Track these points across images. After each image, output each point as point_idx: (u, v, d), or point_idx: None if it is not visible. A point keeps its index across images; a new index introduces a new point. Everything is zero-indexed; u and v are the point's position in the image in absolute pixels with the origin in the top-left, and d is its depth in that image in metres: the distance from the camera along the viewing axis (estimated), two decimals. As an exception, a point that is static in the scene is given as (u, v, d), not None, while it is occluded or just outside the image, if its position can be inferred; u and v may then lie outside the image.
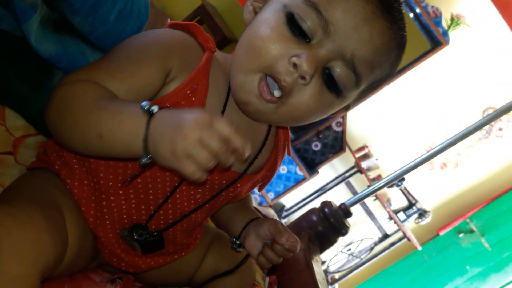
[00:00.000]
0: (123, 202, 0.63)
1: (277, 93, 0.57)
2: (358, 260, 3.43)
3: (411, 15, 3.27)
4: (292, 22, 0.55)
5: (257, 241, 0.74)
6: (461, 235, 3.87)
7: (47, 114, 0.55)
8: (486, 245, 3.80)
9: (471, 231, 3.85)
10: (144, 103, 0.49)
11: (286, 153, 0.78)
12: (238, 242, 0.77)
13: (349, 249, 3.55)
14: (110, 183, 0.62)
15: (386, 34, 0.57)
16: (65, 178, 0.63)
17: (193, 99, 0.60)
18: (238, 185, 0.70)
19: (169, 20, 0.93)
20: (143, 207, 0.64)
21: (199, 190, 0.66)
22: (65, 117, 0.53)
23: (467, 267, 3.82)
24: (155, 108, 0.48)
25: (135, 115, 0.49)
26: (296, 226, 1.29)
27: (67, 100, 0.53)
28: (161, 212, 0.65)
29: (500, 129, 3.87)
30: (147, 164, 0.48)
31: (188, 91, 0.59)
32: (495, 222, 3.81)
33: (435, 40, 3.20)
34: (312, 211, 1.37)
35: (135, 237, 0.64)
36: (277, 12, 0.57)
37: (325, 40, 0.55)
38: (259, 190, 0.82)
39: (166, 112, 0.49)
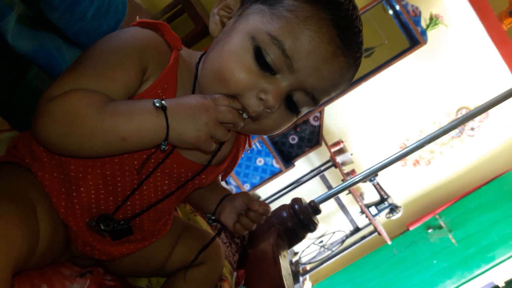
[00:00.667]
0: (92, 192, 0.65)
1: (245, 115, 0.64)
2: (329, 252, 3.50)
3: (391, 12, 3.32)
4: (259, 56, 0.59)
5: (232, 213, 0.80)
6: (429, 230, 3.97)
7: (46, 130, 0.55)
8: (453, 241, 3.92)
9: (440, 227, 3.96)
10: (155, 101, 0.56)
11: (247, 145, 0.83)
12: (213, 217, 0.84)
13: (321, 241, 3.62)
14: (80, 175, 0.63)
15: (344, 68, 0.63)
16: (36, 171, 0.63)
17: (161, 94, 0.63)
18: (203, 176, 0.73)
19: (144, 17, 0.93)
20: (111, 198, 0.66)
21: (166, 182, 0.69)
22: (74, 130, 0.54)
23: (434, 261, 3.94)
24: (164, 102, 0.56)
25: (150, 112, 0.56)
26: (267, 221, 1.32)
27: (71, 114, 0.54)
28: (128, 203, 0.68)
29: (472, 129, 3.98)
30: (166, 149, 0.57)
31: (159, 91, 0.63)
32: (463, 219, 3.93)
33: (413, 39, 3.26)
34: (283, 207, 1.40)
35: (102, 227, 0.67)
36: (245, 44, 0.60)
37: (288, 75, 0.60)
38: (222, 179, 0.88)
39: (173, 103, 0.57)
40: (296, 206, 1.34)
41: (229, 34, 0.63)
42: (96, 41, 0.64)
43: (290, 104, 0.64)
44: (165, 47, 0.65)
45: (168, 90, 0.63)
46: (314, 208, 1.34)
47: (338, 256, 3.49)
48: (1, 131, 0.69)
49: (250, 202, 0.77)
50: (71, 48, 0.72)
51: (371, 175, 1.83)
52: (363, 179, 1.83)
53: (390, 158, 1.95)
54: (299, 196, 1.45)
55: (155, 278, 0.92)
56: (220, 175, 0.83)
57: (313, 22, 0.58)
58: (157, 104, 0.55)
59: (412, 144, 1.92)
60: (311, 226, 1.31)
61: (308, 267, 3.49)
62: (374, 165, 1.92)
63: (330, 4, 0.59)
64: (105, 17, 0.75)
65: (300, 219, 1.31)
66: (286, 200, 2.18)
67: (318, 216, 1.41)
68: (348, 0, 0.62)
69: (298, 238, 1.35)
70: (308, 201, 1.43)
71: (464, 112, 3.82)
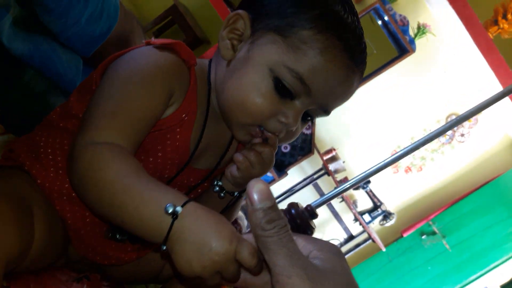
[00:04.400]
0: None
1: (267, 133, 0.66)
2: (324, 260, 3.47)
3: (380, 22, 3.36)
4: (278, 86, 0.61)
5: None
6: (423, 236, 3.98)
7: (72, 173, 0.55)
8: (447, 246, 3.93)
9: (433, 233, 3.97)
10: (168, 206, 0.47)
11: None
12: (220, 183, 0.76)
13: (316, 250, 3.59)
14: None
15: (354, 82, 0.66)
16: (36, 175, 0.63)
17: (186, 118, 0.64)
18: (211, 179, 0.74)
19: (136, 23, 0.93)
20: None
21: (177, 188, 0.69)
22: (89, 188, 0.53)
23: (429, 267, 3.94)
24: (179, 210, 0.47)
25: (158, 213, 0.47)
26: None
27: (90, 171, 0.53)
28: None
29: (462, 135, 4.03)
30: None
31: (184, 115, 0.64)
32: (456, 224, 3.95)
33: (402, 47, 3.30)
34: (279, 212, 1.40)
35: (118, 237, 0.67)
36: (264, 76, 0.61)
37: (306, 98, 0.63)
38: None
39: (188, 219, 0.47)
40: (293, 211, 1.33)
41: (245, 64, 0.63)
42: (116, 65, 0.63)
43: (304, 115, 0.67)
44: (184, 66, 0.65)
45: (191, 111, 0.65)
46: (311, 212, 1.33)
47: (333, 265, 3.47)
48: (-5, 135, 0.69)
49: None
50: (66, 51, 0.73)
51: (367, 178, 1.83)
52: (358, 183, 1.83)
53: (383, 163, 1.96)
54: (294, 203, 1.45)
55: (152, 284, 0.91)
56: None
57: (327, 51, 0.60)
58: (169, 211, 0.46)
59: (403, 149, 1.94)
60: (308, 230, 1.30)
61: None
62: (367, 170, 1.93)
63: (340, 29, 0.61)
64: (98, 22, 0.75)
65: (297, 223, 1.30)
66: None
67: (312, 222, 1.40)
68: (352, 15, 0.64)
69: (294, 243, 1.34)
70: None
71: (453, 118, 3.86)
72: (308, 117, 0.68)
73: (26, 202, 0.58)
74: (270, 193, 0.43)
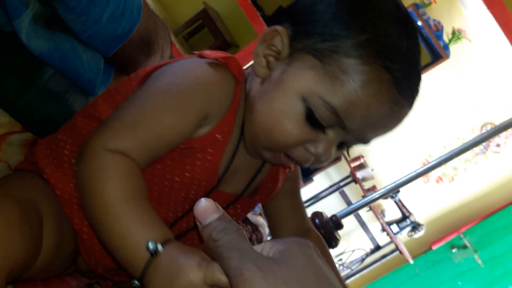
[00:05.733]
0: None
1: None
2: (349, 270, 3.41)
3: (413, 27, 3.28)
4: (310, 117, 0.56)
5: None
6: (454, 250, 3.86)
7: (77, 171, 0.54)
8: (479, 261, 3.79)
9: (464, 247, 3.85)
10: (150, 244, 0.46)
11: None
12: None
13: (340, 259, 3.54)
14: None
15: (400, 115, 0.58)
16: (55, 185, 0.61)
17: (221, 139, 0.60)
18: (238, 206, 0.70)
19: (160, 24, 0.92)
20: None
21: None
22: (84, 195, 0.52)
23: (459, 283, 3.81)
24: (159, 248, 0.46)
25: (139, 247, 0.47)
26: (286, 235, 1.28)
27: (91, 179, 0.51)
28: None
29: (498, 145, 3.88)
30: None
31: (218, 135, 0.60)
32: (489, 238, 3.81)
33: (435, 53, 3.21)
34: (303, 221, 1.36)
35: None
36: (296, 105, 0.56)
37: (340, 131, 0.57)
38: (262, 203, 0.80)
39: (168, 258, 0.46)
40: (317, 220, 1.29)
41: (277, 88, 0.58)
42: (159, 74, 0.61)
43: (341, 146, 0.62)
44: (232, 84, 0.61)
45: (226, 132, 0.61)
46: (336, 222, 1.29)
47: (357, 275, 3.40)
48: (11, 133, 0.68)
49: None
50: (87, 49, 0.71)
51: (396, 189, 1.78)
52: (385, 195, 1.78)
53: (412, 174, 1.89)
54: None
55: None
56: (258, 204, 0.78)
57: (371, 85, 0.53)
58: (150, 248, 0.46)
59: (435, 160, 1.87)
60: (333, 241, 1.26)
61: (327, 285, 3.40)
62: (396, 181, 1.87)
63: (391, 59, 0.53)
64: (120, 21, 0.73)
65: (321, 234, 1.26)
66: (305, 215, 2.13)
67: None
68: (409, 38, 0.56)
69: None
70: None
71: (489, 127, 3.72)
72: (344, 145, 0.62)
73: (37, 210, 0.56)
74: (215, 206, 0.43)
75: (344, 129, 0.56)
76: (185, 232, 0.69)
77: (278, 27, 0.59)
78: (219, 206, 0.44)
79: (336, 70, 0.53)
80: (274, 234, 0.83)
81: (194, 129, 0.58)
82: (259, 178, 0.71)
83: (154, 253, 0.46)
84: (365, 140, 0.60)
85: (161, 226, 0.49)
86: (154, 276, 0.45)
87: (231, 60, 0.61)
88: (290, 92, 0.56)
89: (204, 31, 3.22)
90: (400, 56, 0.54)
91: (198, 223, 0.43)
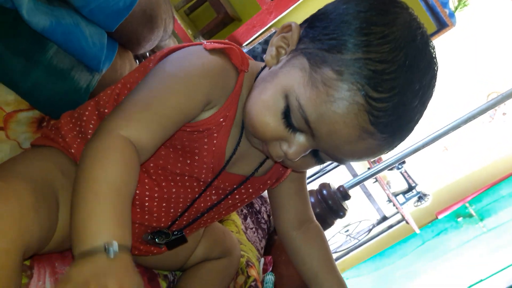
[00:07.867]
0: (154, 210, 0.69)
1: None
2: (356, 241, 3.45)
3: (418, -5, 3.21)
4: (287, 115, 0.57)
5: None
6: (459, 219, 3.88)
7: (88, 142, 0.55)
8: (484, 229, 3.81)
9: (470, 216, 3.86)
10: (105, 243, 0.45)
11: None
12: None
13: (347, 230, 3.57)
14: (146, 197, 0.67)
15: (373, 151, 0.57)
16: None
17: (224, 123, 0.64)
18: (249, 186, 0.74)
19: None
20: (165, 214, 0.71)
21: (214, 192, 0.72)
22: (80, 166, 0.52)
23: (465, 251, 3.84)
24: (111, 250, 0.45)
25: (98, 234, 0.46)
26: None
27: (92, 158, 0.52)
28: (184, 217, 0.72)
29: (504, 114, 3.84)
30: None
31: (221, 119, 0.63)
32: (495, 207, 3.82)
33: (441, 22, 3.15)
34: (310, 192, 1.36)
35: (157, 241, 0.71)
36: (278, 100, 0.57)
37: (311, 139, 0.57)
38: (273, 186, 0.82)
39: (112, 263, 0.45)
40: (324, 191, 1.30)
41: (271, 79, 0.59)
42: (168, 59, 0.63)
43: (315, 153, 0.62)
44: (232, 72, 0.64)
45: (229, 117, 0.64)
46: (343, 193, 1.30)
47: (365, 245, 3.44)
48: (19, 111, 0.68)
49: None
50: (89, 24, 0.70)
51: (402, 159, 1.77)
52: (393, 164, 1.77)
53: (419, 143, 1.89)
54: (325, 183, 1.41)
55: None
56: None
57: (341, 105, 0.51)
58: (106, 246, 0.45)
59: (441, 129, 1.86)
60: (341, 212, 1.27)
61: (334, 256, 3.45)
62: (403, 150, 1.86)
63: (373, 86, 0.50)
64: (122, -6, 0.72)
65: (329, 204, 1.26)
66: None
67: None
68: (414, 77, 0.52)
69: (327, 224, 1.31)
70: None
71: (494, 97, 3.68)
72: (318, 157, 0.62)
73: (52, 187, 0.57)
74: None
75: (314, 139, 0.57)
76: (202, 213, 0.74)
77: (294, 24, 0.60)
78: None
79: (319, 79, 0.53)
80: (276, 216, 0.86)
81: (199, 112, 0.61)
82: (270, 162, 0.74)
83: (107, 249, 0.45)
84: (336, 159, 0.59)
85: (128, 231, 0.49)
86: (89, 264, 0.44)
87: (230, 50, 0.63)
88: (278, 87, 0.58)
89: (206, 5, 3.17)
90: (388, 88, 0.51)
91: None
